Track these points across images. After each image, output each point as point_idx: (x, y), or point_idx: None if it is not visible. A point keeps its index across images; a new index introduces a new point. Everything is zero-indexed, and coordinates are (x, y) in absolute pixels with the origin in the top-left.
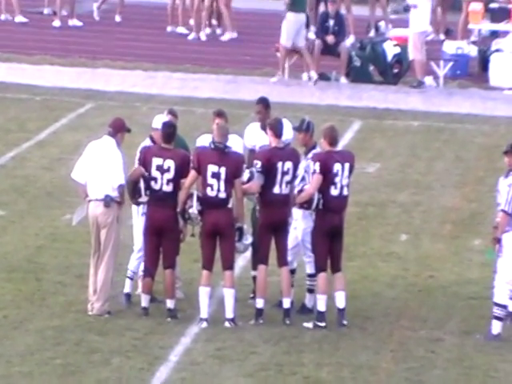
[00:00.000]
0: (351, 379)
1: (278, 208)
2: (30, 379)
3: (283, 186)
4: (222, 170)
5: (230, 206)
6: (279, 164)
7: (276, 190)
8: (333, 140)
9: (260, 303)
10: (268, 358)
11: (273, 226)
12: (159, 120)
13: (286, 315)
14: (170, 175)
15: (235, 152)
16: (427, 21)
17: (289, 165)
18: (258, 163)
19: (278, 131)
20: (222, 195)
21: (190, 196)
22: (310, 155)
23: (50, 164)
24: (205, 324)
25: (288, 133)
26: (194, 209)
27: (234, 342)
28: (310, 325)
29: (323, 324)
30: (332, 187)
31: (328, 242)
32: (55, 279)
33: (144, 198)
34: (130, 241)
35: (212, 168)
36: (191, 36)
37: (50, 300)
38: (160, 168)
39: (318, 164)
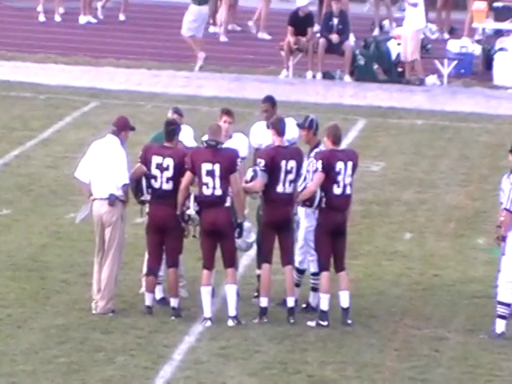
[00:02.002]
0: (355, 377)
1: (282, 207)
2: (34, 378)
3: (286, 184)
4: (216, 167)
5: (227, 204)
6: (283, 163)
7: (279, 188)
8: (336, 139)
9: (264, 302)
10: (272, 357)
11: (276, 225)
12: (184, 134)
13: (290, 314)
14: (169, 173)
15: (228, 148)
16: (423, 18)
17: (292, 163)
18: (262, 162)
19: (280, 130)
20: (218, 192)
21: (187, 197)
22: (313, 154)
23: (54, 162)
24: (209, 323)
25: (293, 132)
26: (191, 210)
27: (238, 340)
28: (313, 324)
29: (325, 323)
30: (335, 186)
31: (331, 241)
32: (59, 277)
33: (146, 197)
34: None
35: (206, 166)
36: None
37: (54, 298)
38: (159, 166)
39: (320, 162)
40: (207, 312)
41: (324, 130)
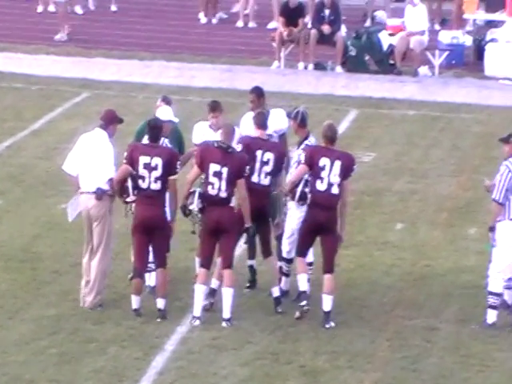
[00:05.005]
0: (347, 368)
1: (256, 197)
2: (26, 368)
3: (262, 175)
4: (224, 170)
5: (231, 204)
6: (258, 152)
7: (254, 178)
8: (327, 138)
9: (276, 292)
10: (264, 347)
11: (252, 215)
12: (163, 113)
13: (276, 303)
14: (157, 173)
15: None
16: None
17: (269, 156)
18: (238, 147)
19: (259, 122)
20: (223, 194)
21: (192, 193)
22: (302, 146)
23: (45, 153)
24: (198, 322)
25: (282, 122)
26: (194, 206)
27: (230, 331)
28: (297, 314)
29: (304, 302)
30: (318, 181)
31: (313, 236)
32: (51, 268)
33: (132, 198)
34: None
35: (214, 167)
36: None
37: (45, 289)
38: (147, 166)
39: (303, 155)
40: (197, 311)
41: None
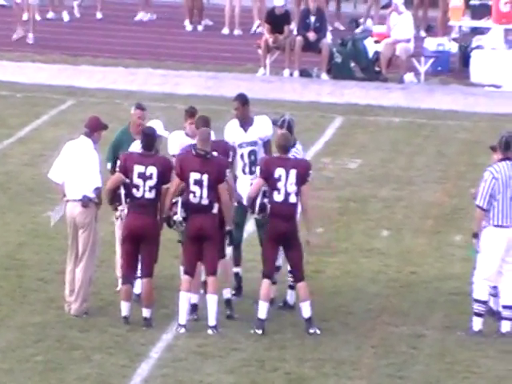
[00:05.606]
0: (333, 375)
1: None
2: (11, 376)
3: None
4: (205, 177)
5: (214, 211)
6: None
7: None
8: (281, 148)
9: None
10: (250, 354)
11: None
12: (153, 126)
13: (227, 305)
14: (152, 182)
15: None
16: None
17: None
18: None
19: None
20: (205, 202)
21: (174, 203)
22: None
23: (31, 160)
24: (183, 330)
25: (266, 129)
26: (178, 216)
27: (216, 338)
28: (252, 331)
29: (260, 331)
30: (275, 192)
31: (276, 248)
32: (36, 276)
33: (124, 206)
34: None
35: (194, 175)
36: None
37: (31, 296)
38: (142, 175)
39: (258, 168)
40: (182, 319)
41: None
